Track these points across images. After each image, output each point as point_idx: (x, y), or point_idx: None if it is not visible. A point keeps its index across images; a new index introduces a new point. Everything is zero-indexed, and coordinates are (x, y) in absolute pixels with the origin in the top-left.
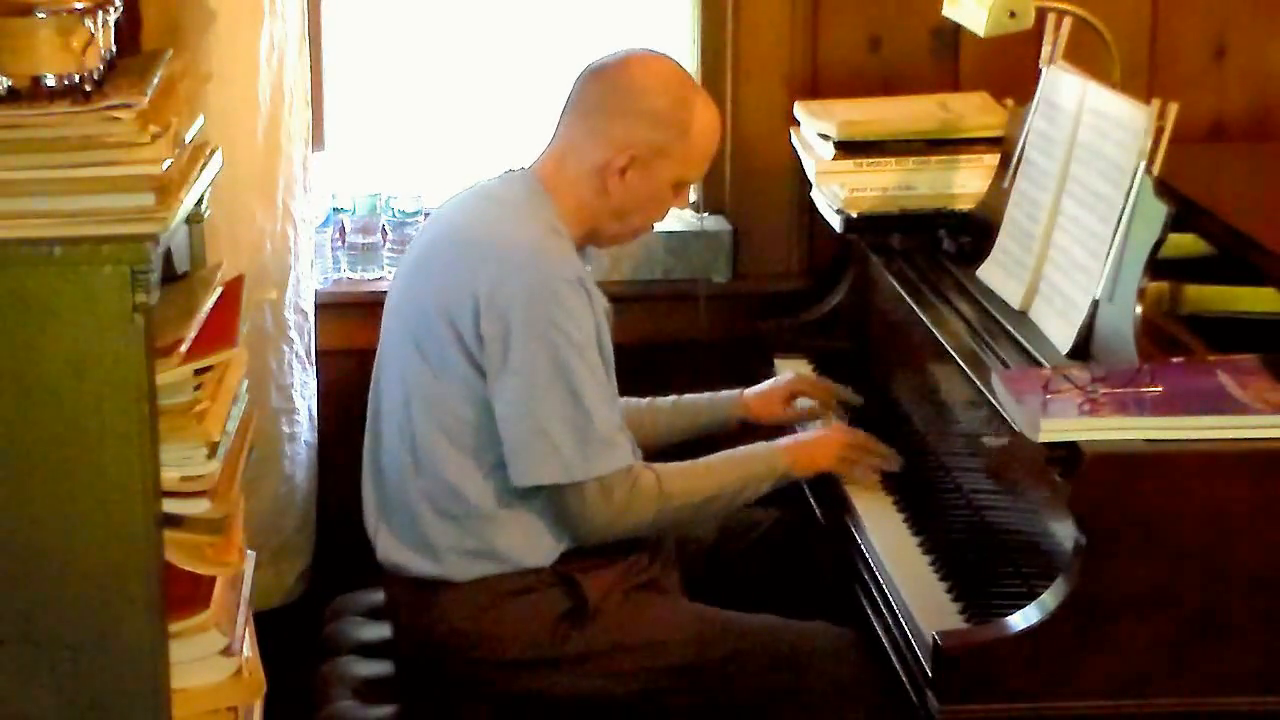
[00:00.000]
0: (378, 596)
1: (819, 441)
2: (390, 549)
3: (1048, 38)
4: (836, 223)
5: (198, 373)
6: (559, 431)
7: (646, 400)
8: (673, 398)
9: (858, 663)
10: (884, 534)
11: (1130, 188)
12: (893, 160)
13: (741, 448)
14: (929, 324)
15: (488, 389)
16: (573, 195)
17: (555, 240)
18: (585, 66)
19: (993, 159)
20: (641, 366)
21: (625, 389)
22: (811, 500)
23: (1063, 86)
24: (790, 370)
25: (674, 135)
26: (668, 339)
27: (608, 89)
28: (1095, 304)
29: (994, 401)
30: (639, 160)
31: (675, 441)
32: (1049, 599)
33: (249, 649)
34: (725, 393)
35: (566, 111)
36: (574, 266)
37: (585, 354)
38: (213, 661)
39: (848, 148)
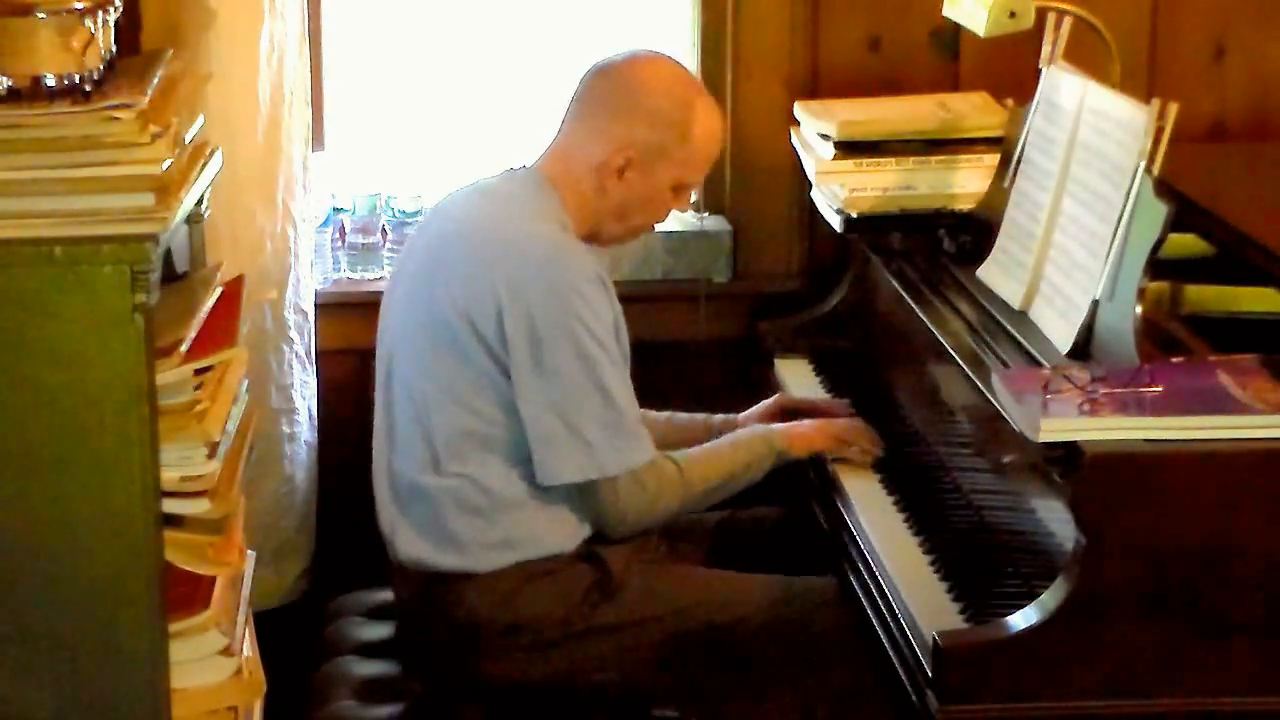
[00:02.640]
0: (378, 596)
1: (815, 425)
2: (411, 546)
3: (1048, 38)
4: (836, 223)
5: (198, 373)
6: (591, 428)
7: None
8: (668, 413)
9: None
10: (884, 533)
11: (1130, 188)
12: (893, 160)
13: (740, 431)
14: (929, 324)
15: (513, 387)
16: (575, 193)
17: (569, 237)
18: (592, 64)
19: (993, 159)
20: (642, 366)
21: None
22: (811, 498)
23: (1063, 86)
24: (789, 371)
25: (674, 137)
26: (668, 339)
27: (611, 88)
28: (1095, 304)
29: (994, 401)
30: (637, 161)
31: None
32: (1049, 599)
33: (249, 649)
34: (719, 416)
35: (571, 108)
36: (593, 263)
37: (608, 349)
38: (213, 661)
39: (848, 148)
